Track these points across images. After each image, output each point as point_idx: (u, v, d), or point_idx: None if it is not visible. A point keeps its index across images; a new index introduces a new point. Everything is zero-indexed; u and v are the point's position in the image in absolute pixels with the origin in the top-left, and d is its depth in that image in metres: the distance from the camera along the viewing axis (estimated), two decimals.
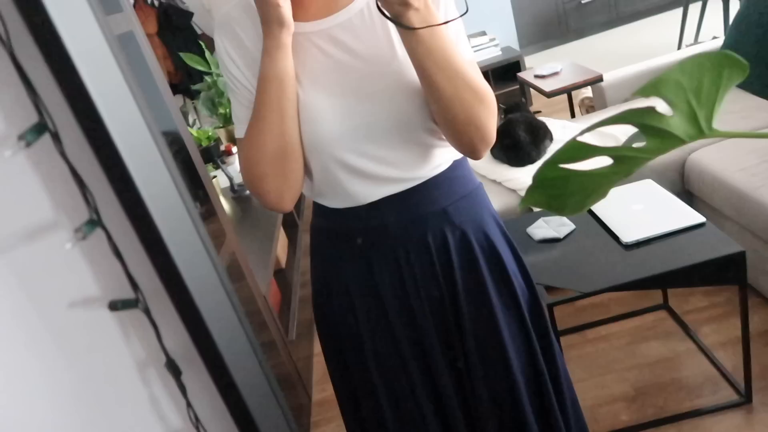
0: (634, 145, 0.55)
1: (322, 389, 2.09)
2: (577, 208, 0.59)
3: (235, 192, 2.77)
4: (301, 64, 0.87)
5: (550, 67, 2.95)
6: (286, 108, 0.85)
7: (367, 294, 0.98)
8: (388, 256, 0.95)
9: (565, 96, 3.00)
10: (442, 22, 0.78)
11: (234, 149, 3.03)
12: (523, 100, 3.34)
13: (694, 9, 3.91)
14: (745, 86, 2.41)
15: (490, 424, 1.03)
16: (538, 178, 0.56)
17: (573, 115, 3.15)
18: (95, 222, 0.42)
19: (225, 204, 2.75)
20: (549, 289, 1.48)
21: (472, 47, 4.08)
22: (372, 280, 0.97)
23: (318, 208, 1.00)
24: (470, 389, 1.02)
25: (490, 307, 0.98)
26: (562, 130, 2.42)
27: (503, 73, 4.04)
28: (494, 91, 4.26)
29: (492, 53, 4.11)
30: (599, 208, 1.69)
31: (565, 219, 1.70)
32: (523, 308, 1.01)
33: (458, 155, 0.96)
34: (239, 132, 0.91)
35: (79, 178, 0.42)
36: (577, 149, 0.53)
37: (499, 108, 3.36)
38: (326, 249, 1.02)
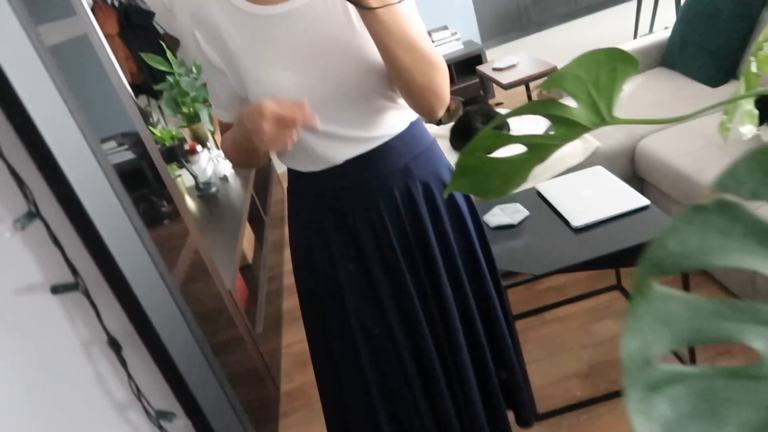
0: (543, 134, 0.60)
1: (290, 380, 2.13)
2: (500, 192, 0.64)
3: (200, 190, 2.78)
4: (267, 45, 0.94)
5: (507, 60, 3.02)
6: (255, 155, 1.00)
7: (347, 246, 1.08)
8: (361, 212, 1.05)
9: (524, 88, 3.07)
10: (397, 0, 0.86)
11: (198, 148, 3.03)
12: (481, 92, 3.40)
13: (649, 0, 4.03)
14: (691, 74, 2.51)
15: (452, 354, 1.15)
16: (460, 165, 0.61)
17: None
18: (34, 214, 0.46)
19: (190, 202, 2.76)
20: (506, 274, 1.54)
21: (435, 42, 4.15)
22: (349, 235, 1.07)
23: (292, 173, 1.09)
24: (445, 330, 1.14)
25: (450, 249, 1.11)
26: (519, 121, 2.49)
27: (465, 67, 4.10)
28: (456, 84, 4.31)
29: (454, 47, 4.17)
30: (551, 194, 1.75)
31: (519, 206, 1.76)
32: (477, 249, 1.15)
33: (413, 117, 1.07)
34: (219, 115, 1.04)
35: (17, 175, 0.45)
36: (491, 138, 0.58)
37: (458, 100, 3.42)
38: (303, 210, 1.11)
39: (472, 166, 0.62)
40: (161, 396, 0.57)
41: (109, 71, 1.50)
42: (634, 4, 4.28)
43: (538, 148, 0.61)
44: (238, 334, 1.85)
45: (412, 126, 1.06)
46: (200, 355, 0.56)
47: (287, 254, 3.11)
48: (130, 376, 0.53)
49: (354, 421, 1.19)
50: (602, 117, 0.59)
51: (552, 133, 0.61)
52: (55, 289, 0.49)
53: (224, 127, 1.08)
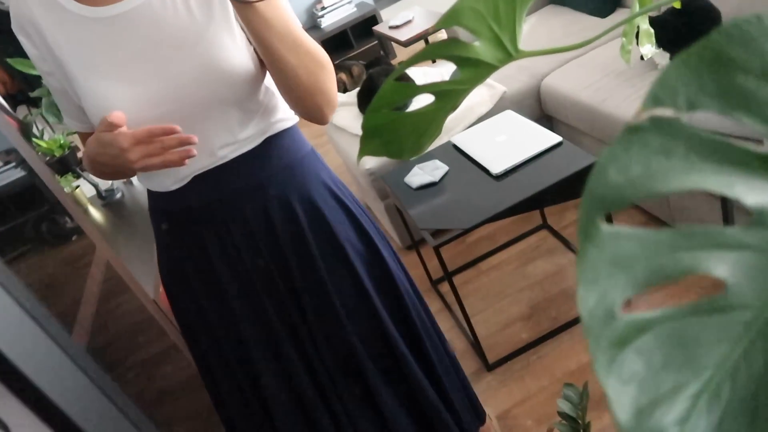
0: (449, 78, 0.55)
1: None
2: (416, 149, 0.59)
3: (103, 199, 2.59)
4: (97, 53, 0.81)
5: (402, 16, 2.97)
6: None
7: (204, 271, 0.99)
8: (212, 236, 0.96)
9: (423, 43, 3.04)
10: None
11: None
12: (382, 53, 3.35)
13: None
14: (580, 8, 2.56)
15: (338, 388, 1.05)
16: (366, 127, 0.55)
17: (434, 61, 3.20)
18: None
19: (95, 213, 2.56)
20: (436, 232, 1.52)
21: (327, 8, 4.03)
22: (205, 261, 0.98)
23: (147, 190, 1.01)
24: (315, 357, 1.03)
25: (318, 275, 0.98)
26: (423, 77, 2.46)
27: (362, 30, 4.02)
28: (355, 49, 4.24)
29: (347, 11, 4.07)
30: (467, 145, 1.74)
31: (438, 162, 1.74)
32: (358, 272, 1.01)
33: (281, 126, 0.95)
34: (71, 125, 0.93)
35: None
36: (394, 91, 0.53)
37: (360, 65, 3.35)
38: (161, 231, 1.02)
39: (380, 125, 0.56)
40: None
41: None
42: None
43: (447, 95, 0.56)
44: (171, 342, 1.74)
45: (278, 136, 0.95)
46: (95, 391, 0.49)
47: None
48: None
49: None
50: (507, 52, 0.55)
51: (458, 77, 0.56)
52: None
53: (84, 136, 0.95)
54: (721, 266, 0.26)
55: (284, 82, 0.83)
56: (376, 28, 3.21)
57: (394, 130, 0.59)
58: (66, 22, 0.81)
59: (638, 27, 0.87)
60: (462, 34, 2.81)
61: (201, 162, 0.90)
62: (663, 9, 1.83)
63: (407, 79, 2.36)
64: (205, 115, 0.86)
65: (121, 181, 2.72)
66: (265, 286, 0.98)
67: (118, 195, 2.57)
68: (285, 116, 0.95)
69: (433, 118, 0.59)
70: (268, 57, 0.81)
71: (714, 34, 0.26)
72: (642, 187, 0.26)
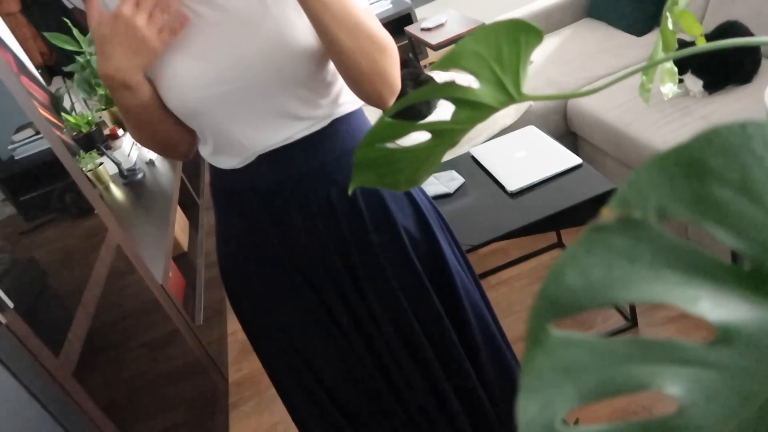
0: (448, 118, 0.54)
1: (239, 369, 2.07)
2: (411, 183, 0.58)
3: (125, 178, 2.62)
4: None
5: (435, 19, 2.94)
6: (153, 120, 0.88)
7: (261, 254, 0.98)
8: (273, 215, 0.95)
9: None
10: None
11: (120, 132, 2.85)
12: (410, 55, 3.33)
13: None
14: (616, 24, 2.50)
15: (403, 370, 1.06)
16: (359, 159, 0.54)
17: None
18: None
19: (116, 191, 2.60)
20: None
21: None
22: (264, 242, 0.97)
23: (210, 169, 0.99)
24: (381, 344, 1.04)
25: (377, 261, 0.98)
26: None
27: (396, 27, 3.99)
28: None
29: (383, 7, 4.04)
30: (486, 158, 1.72)
31: (454, 173, 1.72)
32: (414, 263, 1.00)
33: (347, 109, 0.94)
34: None
35: None
36: (389, 128, 0.52)
37: None
38: (224, 207, 1.01)
39: (373, 159, 0.55)
40: None
41: None
42: None
43: (445, 134, 0.55)
44: (174, 327, 1.76)
45: (343, 120, 0.93)
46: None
47: None
48: None
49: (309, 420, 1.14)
50: (509, 95, 0.53)
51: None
52: None
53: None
54: (677, 384, 0.24)
55: (342, 64, 0.82)
56: (408, 28, 3.19)
57: (389, 163, 0.58)
58: None
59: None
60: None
61: (267, 141, 0.89)
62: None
63: (431, 82, 2.34)
64: (271, 93, 0.86)
65: (144, 161, 2.75)
66: (324, 270, 0.98)
67: (140, 175, 2.61)
68: (351, 99, 0.94)
69: (430, 154, 0.58)
70: (325, 38, 0.80)
71: (693, 140, 0.24)
72: (600, 294, 0.24)
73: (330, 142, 0.92)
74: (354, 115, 0.95)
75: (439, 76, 2.50)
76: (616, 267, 0.25)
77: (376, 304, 1.00)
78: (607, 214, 0.25)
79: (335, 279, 0.99)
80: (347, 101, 0.94)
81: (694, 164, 0.24)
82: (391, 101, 0.88)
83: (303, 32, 0.83)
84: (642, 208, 0.24)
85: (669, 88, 0.86)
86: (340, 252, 0.97)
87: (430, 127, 0.54)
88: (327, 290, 0.99)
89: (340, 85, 0.92)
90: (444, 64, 0.50)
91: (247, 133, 0.89)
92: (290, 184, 0.93)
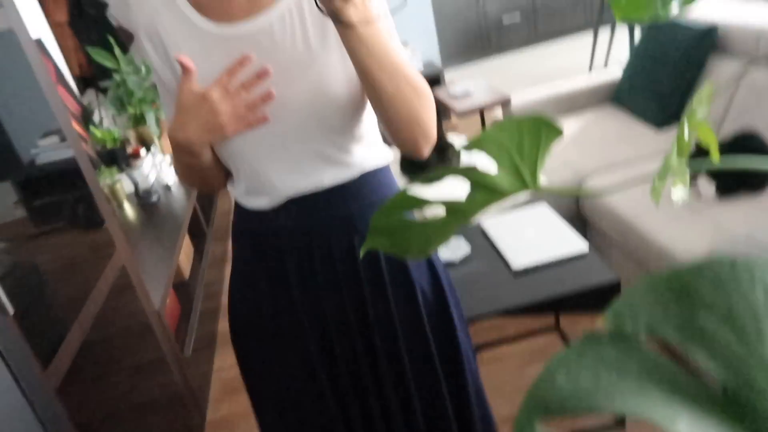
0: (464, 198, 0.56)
1: (218, 409, 2.04)
2: (421, 252, 0.60)
3: (140, 198, 2.66)
4: (216, 67, 0.84)
5: (462, 86, 3.03)
6: (203, 168, 0.92)
7: (279, 297, 1.00)
8: (294, 260, 0.97)
9: (478, 115, 3.09)
10: (381, 14, 0.78)
11: (143, 152, 2.91)
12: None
13: (606, 34, 4.14)
14: (638, 114, 2.56)
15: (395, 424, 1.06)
16: (374, 225, 0.57)
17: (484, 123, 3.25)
18: None
19: (129, 210, 2.64)
20: None
21: None
22: (282, 287, 0.99)
23: (235, 210, 1.02)
24: (375, 399, 1.04)
25: (389, 314, 0.99)
26: (469, 154, 2.48)
27: None
28: None
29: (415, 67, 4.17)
30: (494, 232, 1.74)
31: (462, 241, 1.74)
32: (423, 320, 1.02)
33: (377, 163, 0.97)
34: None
35: None
36: (407, 201, 0.54)
37: None
38: (245, 248, 1.03)
39: (388, 226, 0.58)
40: None
41: (36, 66, 1.41)
42: (591, 37, 4.39)
43: (459, 212, 0.57)
44: (162, 355, 1.75)
45: (374, 172, 0.97)
46: None
47: (227, 270, 3.01)
48: None
49: None
50: (525, 183, 0.56)
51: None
52: None
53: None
54: None
55: (382, 109, 0.84)
56: (436, 90, 3.28)
57: (401, 233, 0.60)
58: (192, 36, 0.86)
59: (672, 168, 0.87)
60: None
61: (298, 183, 0.92)
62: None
63: (453, 148, 2.39)
64: (309, 137, 0.89)
65: (161, 184, 2.80)
66: (337, 317, 0.99)
67: (155, 197, 2.65)
68: (382, 153, 0.98)
69: (442, 229, 0.60)
70: (367, 82, 0.81)
71: (686, 269, 0.26)
72: (586, 401, 0.25)
73: (357, 193, 0.95)
74: (382, 171, 0.98)
75: (460, 140, 2.55)
76: (604, 377, 0.26)
77: (383, 359, 1.01)
78: (602, 324, 0.26)
79: (347, 335, 1.00)
80: (378, 155, 0.97)
81: (684, 291, 0.26)
82: (427, 150, 0.90)
83: (344, 81, 0.87)
84: (633, 324, 0.26)
85: (680, 194, 0.89)
86: (355, 305, 0.99)
87: (446, 204, 0.56)
88: (337, 346, 1.01)
89: (374, 137, 0.96)
90: (470, 147, 0.52)
91: (280, 174, 0.92)
92: (315, 229, 0.96)
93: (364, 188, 0.95)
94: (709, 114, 2.13)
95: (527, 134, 0.52)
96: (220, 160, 0.95)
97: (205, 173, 0.94)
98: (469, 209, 0.56)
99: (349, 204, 0.95)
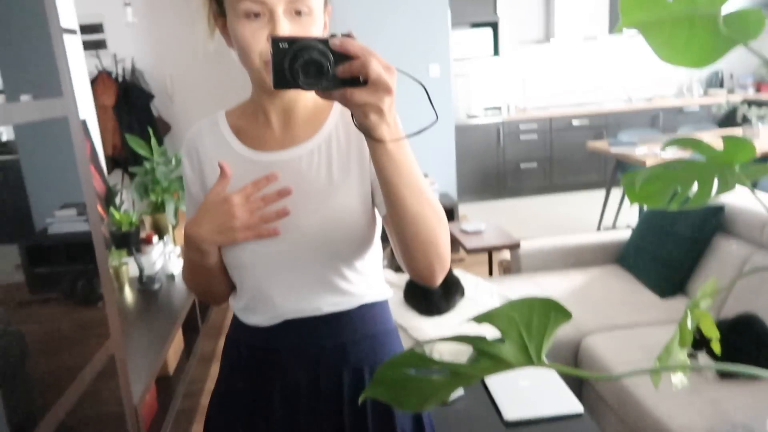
0: (468, 363, 0.58)
1: None
2: (417, 408, 0.61)
3: (142, 284, 2.67)
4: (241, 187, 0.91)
5: (475, 224, 3.12)
6: (210, 276, 0.97)
7: (258, 417, 0.99)
8: (281, 380, 0.98)
9: (486, 255, 3.14)
10: (419, 130, 0.80)
11: (154, 240, 2.96)
12: None
13: (617, 194, 4.30)
14: (643, 280, 2.60)
15: None
16: (378, 376, 0.58)
17: (491, 272, 3.28)
18: None
19: (129, 294, 2.64)
20: None
21: None
22: (264, 404, 0.98)
23: (233, 322, 1.04)
24: None
25: None
26: (474, 287, 2.50)
27: None
28: None
29: None
30: (490, 378, 1.71)
31: None
32: None
33: (376, 297, 0.99)
34: None
35: None
36: (415, 359, 0.56)
37: None
38: (234, 360, 1.03)
39: (391, 379, 0.59)
40: None
41: (78, 149, 1.49)
42: (602, 195, 4.56)
43: (461, 376, 0.58)
44: None
45: (373, 304, 0.99)
46: None
47: (214, 369, 2.94)
48: None
49: None
50: (530, 359, 0.57)
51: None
52: None
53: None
54: None
55: (403, 228, 0.83)
56: (450, 224, 3.37)
57: (404, 387, 0.61)
58: (229, 160, 0.93)
59: (675, 355, 0.88)
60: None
61: (298, 306, 0.94)
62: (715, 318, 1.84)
63: (458, 284, 2.41)
64: (314, 263, 0.92)
65: (166, 273, 2.82)
66: None
67: (157, 285, 2.65)
68: (382, 287, 1.00)
69: (444, 388, 0.61)
70: (392, 199, 0.81)
71: None
72: None
73: (354, 324, 0.97)
74: (380, 305, 1.00)
75: (465, 277, 2.58)
76: None
77: None
78: None
79: None
80: (378, 289, 1.00)
81: None
82: (440, 277, 0.89)
83: (359, 215, 0.92)
84: None
85: (679, 380, 0.89)
86: (334, 429, 0.97)
87: (450, 367, 0.58)
88: None
89: (377, 272, 0.99)
90: (481, 319, 0.55)
91: (281, 294, 0.94)
92: (308, 354, 0.97)
93: (360, 320, 0.97)
94: (712, 305, 2.16)
95: (537, 314, 0.55)
96: (226, 270, 0.98)
97: (210, 277, 0.97)
98: (473, 374, 0.57)
99: (343, 333, 0.97)
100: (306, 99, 0.95)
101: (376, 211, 0.95)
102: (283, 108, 0.94)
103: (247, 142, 0.95)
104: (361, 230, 0.93)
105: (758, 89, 6.18)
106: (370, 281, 0.98)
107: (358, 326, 0.97)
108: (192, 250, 0.92)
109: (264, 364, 0.99)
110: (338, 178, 0.92)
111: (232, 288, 1.02)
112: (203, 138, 0.97)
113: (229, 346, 1.05)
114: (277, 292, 0.94)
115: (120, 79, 5.20)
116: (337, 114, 0.95)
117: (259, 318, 0.97)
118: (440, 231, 0.85)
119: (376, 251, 0.98)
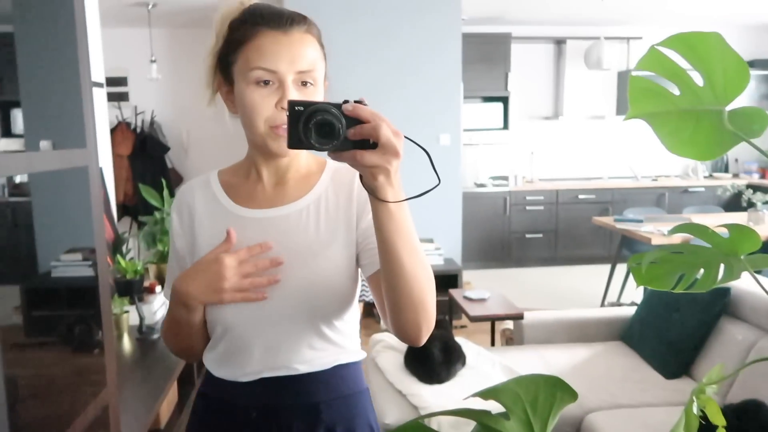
0: None
1: None
2: None
3: (141, 333, 2.65)
4: (236, 241, 0.93)
5: (479, 292, 3.11)
6: (191, 334, 0.98)
7: None
8: None
9: (488, 324, 3.12)
10: (421, 193, 0.82)
11: (158, 289, 2.96)
12: (446, 317, 3.44)
13: (622, 268, 4.28)
14: (646, 358, 2.56)
15: None
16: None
17: (493, 342, 3.24)
18: None
19: (127, 342, 2.61)
20: None
21: None
22: None
23: (207, 375, 1.03)
24: None
25: None
26: (476, 356, 2.47)
27: (440, 284, 4.19)
28: None
29: (434, 261, 4.32)
30: None
31: None
32: None
33: (351, 357, 1.00)
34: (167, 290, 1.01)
35: None
36: (417, 428, 0.56)
37: None
38: (203, 416, 1.03)
39: None
40: None
41: (94, 197, 1.52)
42: (606, 269, 4.54)
43: None
44: None
45: (347, 366, 1.00)
46: None
47: None
48: None
49: None
50: None
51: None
52: None
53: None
54: None
55: (395, 287, 0.84)
56: (453, 291, 3.36)
57: None
58: (219, 215, 0.97)
59: None
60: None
61: (275, 363, 0.95)
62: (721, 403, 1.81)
63: (460, 359, 2.38)
64: (295, 320, 0.94)
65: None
66: None
67: (155, 336, 2.64)
68: (356, 349, 1.02)
69: None
70: (388, 257, 0.83)
71: None
72: None
73: (328, 384, 0.98)
74: (354, 365, 1.02)
75: (467, 345, 2.55)
76: None
77: None
78: None
79: None
80: (354, 350, 1.01)
81: None
82: (425, 337, 0.90)
83: (343, 276, 0.94)
84: None
85: None
86: None
87: None
88: None
89: (354, 333, 1.01)
90: (486, 395, 0.55)
91: (260, 349, 0.95)
92: (282, 413, 0.96)
93: (334, 381, 0.98)
94: (718, 391, 2.12)
95: (543, 392, 0.55)
96: (206, 327, 0.99)
97: (191, 334, 0.98)
98: None
99: (318, 394, 0.97)
100: (299, 164, 0.99)
101: (358, 273, 0.97)
102: (276, 169, 0.98)
103: (237, 199, 0.98)
104: (344, 290, 0.95)
105: (763, 175, 6.27)
106: (346, 342, 1.00)
107: (333, 386, 0.98)
108: (178, 305, 0.93)
109: (235, 419, 0.98)
110: (325, 238, 0.94)
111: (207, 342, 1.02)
112: (194, 194, 1.01)
113: (199, 402, 1.05)
114: (255, 346, 0.95)
115: (138, 130, 5.34)
116: (328, 178, 0.99)
117: (234, 372, 0.97)
118: (430, 293, 0.87)
119: (354, 312, 1.00)
